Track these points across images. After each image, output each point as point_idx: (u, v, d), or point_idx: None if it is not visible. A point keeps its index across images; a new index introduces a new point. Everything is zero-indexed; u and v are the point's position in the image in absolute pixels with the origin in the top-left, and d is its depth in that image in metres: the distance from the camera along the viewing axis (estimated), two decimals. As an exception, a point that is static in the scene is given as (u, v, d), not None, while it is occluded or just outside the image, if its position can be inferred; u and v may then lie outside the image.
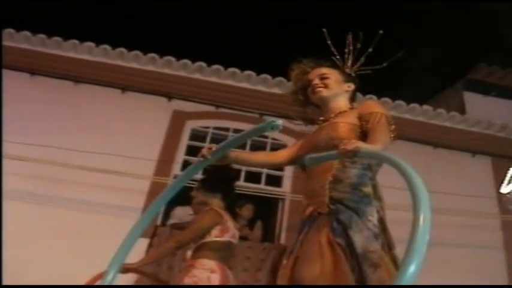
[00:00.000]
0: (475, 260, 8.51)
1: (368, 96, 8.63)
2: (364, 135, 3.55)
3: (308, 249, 3.34)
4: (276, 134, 9.07)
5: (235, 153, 3.95)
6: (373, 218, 3.32)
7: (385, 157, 2.91)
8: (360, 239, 3.19)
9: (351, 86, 4.04)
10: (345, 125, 3.68)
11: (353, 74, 4.13)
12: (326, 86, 3.98)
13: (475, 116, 10.31)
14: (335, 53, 4.19)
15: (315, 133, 3.92)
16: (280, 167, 7.60)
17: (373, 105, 3.75)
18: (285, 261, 3.58)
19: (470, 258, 8.43)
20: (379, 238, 3.26)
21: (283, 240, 8.43)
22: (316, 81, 4.01)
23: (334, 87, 3.98)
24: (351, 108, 3.91)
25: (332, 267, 3.13)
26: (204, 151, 3.77)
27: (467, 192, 8.70)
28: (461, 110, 10.69)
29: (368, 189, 3.44)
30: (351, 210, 3.32)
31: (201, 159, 3.79)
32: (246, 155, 4.33)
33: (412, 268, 2.18)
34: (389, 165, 2.76)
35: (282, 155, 4.16)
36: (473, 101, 11.10)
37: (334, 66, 4.13)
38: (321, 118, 4.03)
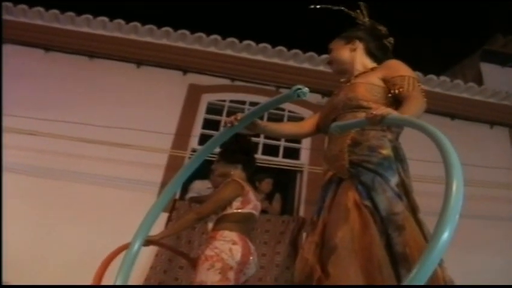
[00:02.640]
0: (492, 231, 8.47)
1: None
2: (394, 99, 3.52)
3: (336, 215, 3.31)
4: (292, 106, 9.08)
5: (264, 123, 3.93)
6: (395, 180, 3.27)
7: (415, 123, 2.83)
8: (383, 200, 3.16)
9: (355, 44, 4.01)
10: (363, 85, 3.66)
11: (366, 23, 4.10)
12: (331, 60, 4.09)
13: (493, 87, 10.22)
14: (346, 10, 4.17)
15: (335, 95, 3.90)
16: (302, 138, 7.56)
17: (401, 67, 3.65)
18: (310, 229, 3.55)
19: (487, 230, 8.39)
20: (403, 200, 3.21)
21: (302, 212, 8.39)
22: (328, 58, 4.13)
23: (339, 56, 4.03)
24: (374, 68, 3.86)
25: (360, 231, 3.11)
26: (231, 119, 3.72)
27: (485, 163, 8.64)
28: (479, 81, 10.58)
29: (387, 151, 3.37)
30: (372, 172, 3.28)
31: (229, 126, 3.75)
32: (274, 125, 4.30)
33: (445, 235, 2.15)
34: (420, 131, 2.71)
35: (308, 124, 4.15)
36: (491, 71, 10.98)
37: (340, 34, 4.14)
38: (342, 80, 4.03)
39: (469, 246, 7.60)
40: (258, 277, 6.93)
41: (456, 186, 2.27)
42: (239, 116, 3.72)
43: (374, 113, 2.98)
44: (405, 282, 2.20)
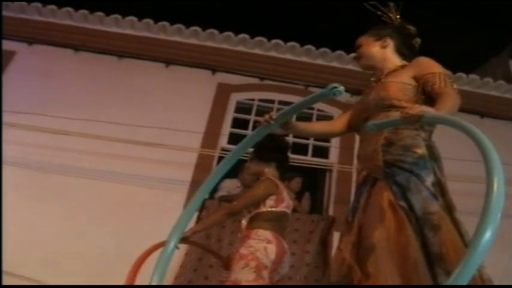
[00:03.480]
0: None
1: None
2: (426, 97, 3.51)
3: (371, 215, 3.32)
4: (321, 105, 9.08)
5: (296, 122, 3.93)
6: (430, 179, 3.26)
7: (453, 122, 2.82)
8: (418, 200, 3.15)
9: (387, 41, 4.01)
10: (395, 84, 3.65)
11: (396, 22, 4.11)
12: (360, 54, 4.06)
13: (522, 85, 10.11)
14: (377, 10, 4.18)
15: (366, 94, 3.91)
16: (333, 137, 7.56)
17: (431, 64, 3.65)
18: (345, 229, 3.53)
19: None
20: (439, 199, 3.20)
21: (331, 211, 8.39)
22: (356, 53, 4.11)
23: (369, 51, 4.02)
24: (403, 66, 3.85)
25: (396, 232, 3.11)
26: (267, 117, 3.74)
27: (512, 161, 8.59)
28: (508, 79, 10.46)
29: (422, 150, 3.37)
30: (407, 171, 3.27)
31: (264, 124, 3.77)
32: (306, 124, 4.30)
33: (487, 234, 2.14)
34: (458, 130, 2.71)
35: (340, 123, 4.13)
36: (520, 69, 10.93)
37: (368, 31, 4.15)
38: (372, 79, 4.03)
39: (506, 245, 7.55)
40: (288, 276, 6.91)
41: (497, 184, 2.26)
42: (274, 114, 3.74)
43: (411, 112, 2.97)
44: (448, 283, 2.19)
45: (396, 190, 3.24)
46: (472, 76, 9.92)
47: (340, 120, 4.17)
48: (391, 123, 3.36)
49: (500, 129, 9.36)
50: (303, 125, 4.17)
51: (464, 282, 2.11)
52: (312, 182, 9.06)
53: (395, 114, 3.39)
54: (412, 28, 4.10)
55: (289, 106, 3.84)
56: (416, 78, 3.62)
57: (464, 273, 2.12)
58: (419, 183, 3.22)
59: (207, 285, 7.12)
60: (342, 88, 3.18)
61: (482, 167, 2.41)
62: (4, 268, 6.82)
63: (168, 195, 7.88)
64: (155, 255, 3.97)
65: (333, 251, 7.19)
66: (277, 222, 4.82)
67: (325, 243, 7.73)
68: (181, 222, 4.03)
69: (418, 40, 4.09)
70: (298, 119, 3.92)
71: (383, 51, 3.98)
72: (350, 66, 9.53)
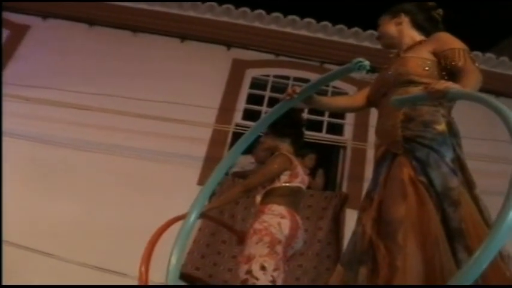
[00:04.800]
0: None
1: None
2: (447, 74, 3.48)
3: (392, 190, 3.31)
4: (337, 82, 9.01)
5: (318, 97, 3.94)
6: (450, 155, 3.26)
7: (480, 98, 2.81)
8: (438, 176, 3.15)
9: (401, 18, 3.98)
10: (414, 59, 3.63)
11: None
12: (380, 35, 4.08)
13: (539, 64, 10.04)
14: None
15: (386, 69, 3.88)
16: (354, 111, 7.54)
17: (451, 40, 3.61)
18: (366, 204, 3.53)
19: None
20: (458, 175, 3.20)
21: (344, 188, 8.38)
22: (377, 34, 4.12)
23: (386, 30, 4.02)
24: (422, 42, 3.83)
25: (417, 207, 3.11)
26: (290, 91, 3.74)
27: (530, 141, 8.53)
28: (525, 59, 10.43)
29: (442, 127, 3.35)
30: (427, 147, 3.27)
31: (288, 98, 3.76)
32: (328, 99, 4.32)
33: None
34: (484, 105, 2.69)
35: (360, 98, 4.14)
36: (537, 49, 10.85)
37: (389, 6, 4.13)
38: (392, 55, 4.02)
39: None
40: (300, 252, 6.90)
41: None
42: (297, 89, 3.74)
43: (436, 87, 2.96)
44: (471, 260, 2.16)
45: (416, 165, 3.25)
46: (488, 55, 9.88)
47: (360, 95, 4.17)
48: (416, 99, 3.36)
49: (515, 109, 9.30)
50: (326, 100, 4.23)
51: (489, 260, 2.10)
52: (325, 159, 9.03)
53: (414, 90, 3.40)
54: (429, 3, 4.06)
55: (313, 80, 3.84)
56: (435, 54, 3.59)
57: (489, 251, 2.10)
58: (439, 159, 3.22)
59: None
60: (367, 63, 3.17)
61: (503, 147, 2.39)
62: (14, 240, 6.87)
63: (182, 170, 7.89)
64: (171, 230, 3.98)
65: (345, 228, 7.26)
66: (292, 198, 4.85)
67: (337, 220, 7.73)
68: (203, 196, 4.05)
69: (439, 11, 4.04)
70: (313, 96, 3.92)
71: (399, 28, 3.96)
72: (366, 43, 9.50)
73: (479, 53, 9.63)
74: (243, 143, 4.10)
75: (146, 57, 9.28)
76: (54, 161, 7.77)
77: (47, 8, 9.50)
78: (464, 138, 3.48)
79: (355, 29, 9.64)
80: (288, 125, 5.12)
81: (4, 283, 6.54)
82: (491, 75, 9.52)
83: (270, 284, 4.37)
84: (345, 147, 8.93)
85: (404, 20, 3.97)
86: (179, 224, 4.01)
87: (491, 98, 2.66)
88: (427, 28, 3.96)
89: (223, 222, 6.47)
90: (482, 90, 2.77)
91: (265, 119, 4.08)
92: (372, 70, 3.66)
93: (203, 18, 9.72)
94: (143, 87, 8.67)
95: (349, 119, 8.98)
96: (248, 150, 7.04)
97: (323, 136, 8.83)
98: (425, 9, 4.04)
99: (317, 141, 8.53)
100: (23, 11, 9.32)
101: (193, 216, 3.83)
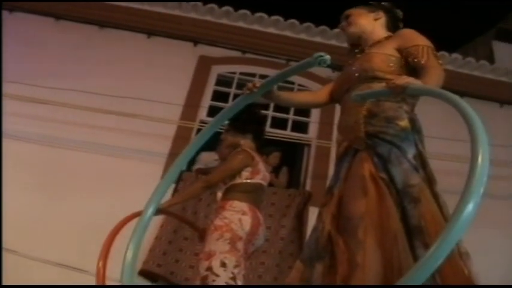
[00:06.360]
0: (499, 210, 8.42)
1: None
2: (410, 70, 3.48)
3: (352, 186, 3.32)
4: (302, 80, 9.04)
5: (279, 92, 3.93)
6: (412, 152, 3.27)
7: (438, 93, 2.81)
8: (399, 172, 3.16)
9: (380, 14, 3.99)
10: (379, 55, 3.62)
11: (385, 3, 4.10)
12: (350, 23, 3.99)
13: (504, 66, 10.17)
14: None
15: (350, 65, 3.87)
16: (316, 107, 7.53)
17: (415, 37, 3.63)
18: (326, 200, 3.52)
19: (496, 208, 8.34)
20: (420, 171, 3.21)
21: (308, 186, 8.39)
22: (343, 23, 4.04)
23: (360, 21, 3.98)
24: (388, 38, 3.83)
25: (376, 203, 3.11)
26: (250, 85, 3.71)
27: (494, 141, 8.58)
28: (491, 60, 10.52)
29: (404, 123, 3.36)
30: (389, 143, 3.28)
31: (248, 92, 3.73)
32: (289, 94, 4.32)
33: (470, 207, 2.13)
34: (443, 100, 2.69)
35: (323, 93, 4.12)
36: (503, 50, 10.86)
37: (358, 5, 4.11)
38: (356, 50, 4.01)
39: (476, 223, 7.58)
40: (262, 250, 6.96)
41: (482, 156, 2.24)
42: (258, 83, 3.72)
43: (397, 82, 2.97)
44: (429, 253, 2.15)
45: (377, 161, 3.26)
46: (455, 55, 9.97)
47: (323, 91, 4.15)
48: (377, 94, 3.35)
49: (480, 110, 9.32)
50: (286, 95, 4.21)
51: (445, 254, 2.10)
52: (290, 157, 9.04)
53: (377, 86, 3.39)
54: (399, 12, 4.09)
55: (274, 74, 3.81)
56: (400, 50, 3.60)
57: (445, 245, 2.11)
58: (400, 155, 3.23)
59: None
60: (327, 57, 3.16)
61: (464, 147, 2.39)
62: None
63: (146, 167, 7.84)
64: (131, 225, 3.95)
65: (308, 226, 7.26)
66: (253, 194, 4.84)
67: (301, 218, 7.76)
68: (159, 192, 4.03)
69: (401, 24, 4.07)
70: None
71: (374, 23, 3.95)
72: (333, 42, 9.52)
73: (445, 53, 9.70)
74: (202, 137, 4.08)
75: (112, 53, 9.21)
76: (15, 155, 7.65)
77: (14, 2, 9.38)
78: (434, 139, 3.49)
79: (323, 27, 9.65)
80: (249, 122, 5.13)
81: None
82: (457, 75, 9.61)
83: (230, 281, 4.36)
84: (309, 145, 8.92)
85: (382, 17, 3.99)
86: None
87: (449, 93, 2.66)
88: (392, 31, 3.97)
89: (185, 219, 6.43)
90: (448, 90, 2.77)
91: (225, 113, 4.06)
92: (333, 66, 3.65)
93: (170, 14, 9.66)
94: (109, 83, 8.59)
95: (314, 117, 9.00)
96: (212, 148, 7.03)
97: (288, 134, 8.84)
98: (396, 17, 4.07)
99: (282, 139, 8.55)
100: (-12, 4, 9.20)
101: (149, 212, 3.81)
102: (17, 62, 8.56)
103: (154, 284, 7.19)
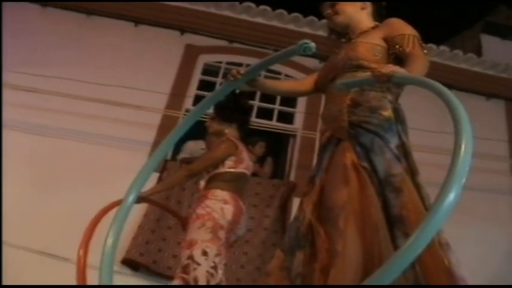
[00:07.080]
0: (485, 203, 8.46)
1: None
2: (395, 59, 3.46)
3: (334, 175, 3.31)
4: (289, 71, 9.03)
5: (264, 79, 3.92)
6: (395, 142, 3.26)
7: (423, 82, 2.80)
8: (381, 162, 3.16)
9: (367, 4, 3.93)
10: (364, 44, 3.60)
11: None
12: (337, 12, 3.92)
13: (492, 59, 10.19)
14: None
15: (336, 54, 3.83)
16: (301, 96, 7.52)
17: (402, 26, 3.60)
18: (308, 189, 3.51)
19: (479, 201, 8.35)
20: (402, 162, 3.20)
21: (292, 177, 8.43)
22: (328, 10, 3.96)
23: (346, 10, 3.90)
24: (374, 27, 3.80)
25: (358, 192, 3.10)
26: (234, 72, 3.69)
27: (479, 135, 8.58)
28: (478, 53, 10.56)
29: (388, 113, 3.34)
30: (372, 133, 3.27)
31: (231, 79, 3.72)
32: (273, 81, 4.29)
33: (451, 196, 2.12)
34: (428, 89, 2.69)
35: (308, 82, 4.08)
36: (491, 43, 10.93)
37: None
38: (343, 40, 3.99)
39: (458, 216, 7.58)
40: (245, 239, 7.00)
41: (465, 144, 2.25)
42: (242, 70, 3.70)
43: (382, 71, 2.96)
44: (408, 242, 2.15)
45: (359, 151, 3.24)
46: (442, 47, 9.97)
47: (308, 80, 4.12)
48: (361, 82, 3.35)
49: (466, 102, 9.31)
50: (271, 82, 4.20)
51: (425, 243, 2.10)
52: (275, 147, 9.06)
53: (362, 75, 3.38)
54: (383, 3, 4.06)
55: (258, 62, 3.80)
56: (386, 40, 3.58)
57: (425, 233, 2.11)
58: (383, 145, 3.22)
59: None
60: (312, 44, 3.16)
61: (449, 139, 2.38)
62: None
63: (131, 155, 7.78)
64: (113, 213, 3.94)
65: (292, 216, 7.28)
66: (236, 183, 4.87)
67: (284, 208, 7.79)
68: (140, 180, 4.02)
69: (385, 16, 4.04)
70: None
71: (361, 13, 3.90)
72: (321, 33, 9.45)
73: (433, 46, 9.70)
74: (185, 124, 4.07)
75: (99, 41, 9.18)
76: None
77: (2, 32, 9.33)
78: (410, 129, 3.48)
79: (311, 17, 9.62)
80: (235, 110, 5.13)
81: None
82: (444, 68, 9.62)
83: (211, 269, 4.37)
84: (294, 136, 8.94)
85: (369, 7, 3.95)
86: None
87: (434, 82, 2.65)
88: (379, 21, 3.94)
89: (168, 207, 6.44)
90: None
91: (209, 99, 4.05)
92: (320, 56, 3.63)
93: (158, 3, 9.59)
94: (95, 71, 8.53)
95: (300, 108, 9.02)
96: (197, 136, 7.01)
97: (273, 124, 8.85)
98: (381, 7, 4.03)
99: (267, 129, 8.57)
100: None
101: (130, 200, 3.80)
102: (4, 50, 8.49)
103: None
